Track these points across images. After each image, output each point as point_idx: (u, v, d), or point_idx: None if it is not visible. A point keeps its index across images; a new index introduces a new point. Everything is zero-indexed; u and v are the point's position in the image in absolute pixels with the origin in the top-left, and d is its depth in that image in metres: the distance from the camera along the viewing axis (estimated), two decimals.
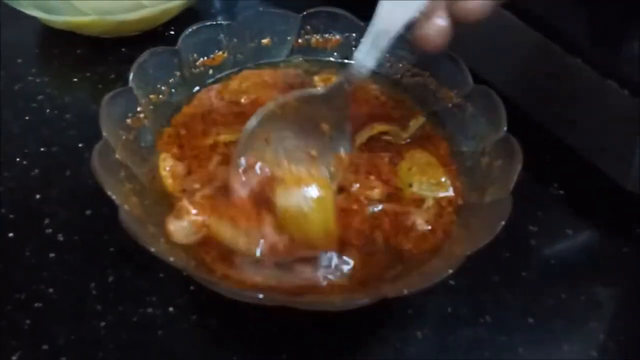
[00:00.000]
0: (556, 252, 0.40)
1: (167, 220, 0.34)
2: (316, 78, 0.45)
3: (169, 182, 0.37)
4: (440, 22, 0.32)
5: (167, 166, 0.37)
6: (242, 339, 0.35)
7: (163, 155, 0.38)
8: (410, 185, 0.38)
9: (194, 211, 0.34)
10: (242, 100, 0.42)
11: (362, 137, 0.40)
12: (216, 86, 0.44)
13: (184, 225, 0.34)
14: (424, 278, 0.30)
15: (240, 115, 0.41)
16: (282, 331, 0.35)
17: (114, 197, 0.31)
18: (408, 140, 0.41)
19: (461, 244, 0.32)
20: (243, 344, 0.35)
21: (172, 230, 0.33)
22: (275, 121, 0.36)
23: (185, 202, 0.34)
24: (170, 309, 0.36)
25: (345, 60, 0.46)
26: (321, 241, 0.34)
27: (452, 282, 0.37)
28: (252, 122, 0.36)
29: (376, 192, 0.37)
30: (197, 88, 0.43)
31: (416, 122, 0.42)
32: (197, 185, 0.36)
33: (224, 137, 0.39)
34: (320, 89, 0.40)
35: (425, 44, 0.33)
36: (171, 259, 0.29)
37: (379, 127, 0.41)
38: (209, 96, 0.43)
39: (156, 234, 0.32)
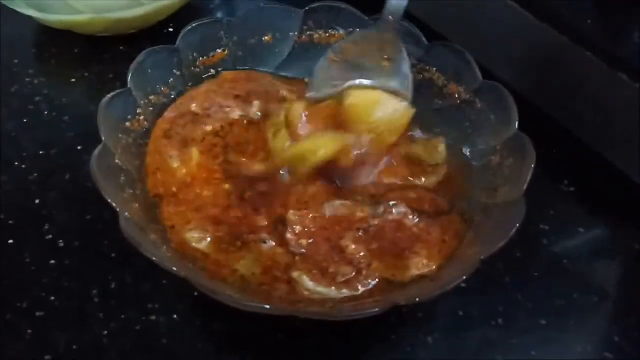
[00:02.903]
0: (568, 251, 0.39)
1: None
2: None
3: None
4: None
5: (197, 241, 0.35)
6: (248, 345, 0.34)
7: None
8: None
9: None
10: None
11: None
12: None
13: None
14: (436, 284, 0.29)
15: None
16: (289, 337, 0.34)
17: (114, 204, 0.30)
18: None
19: (474, 247, 0.31)
20: (249, 350, 0.34)
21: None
22: (338, 64, 0.38)
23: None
24: (174, 315, 0.35)
25: None
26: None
27: (462, 284, 0.36)
28: (318, 67, 0.38)
29: None
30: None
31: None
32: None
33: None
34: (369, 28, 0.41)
35: None
36: (174, 268, 0.28)
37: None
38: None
39: (158, 241, 0.31)
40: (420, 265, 0.33)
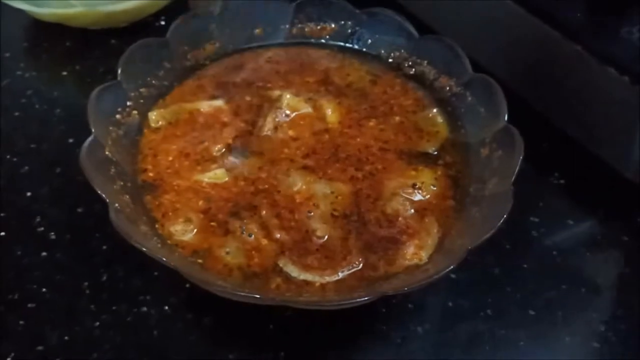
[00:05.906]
0: (557, 243, 0.39)
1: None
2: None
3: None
4: None
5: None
6: (239, 337, 0.35)
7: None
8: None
9: None
10: None
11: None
12: None
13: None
14: (424, 274, 0.29)
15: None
16: (279, 328, 0.34)
17: (103, 195, 0.30)
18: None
19: (462, 238, 0.31)
20: (240, 342, 0.34)
21: None
22: None
23: None
24: (166, 307, 0.35)
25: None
26: None
27: (452, 276, 0.36)
28: None
29: None
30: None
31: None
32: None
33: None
34: None
35: None
36: (164, 259, 0.28)
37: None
38: None
39: (148, 233, 0.31)
40: (410, 255, 0.33)
